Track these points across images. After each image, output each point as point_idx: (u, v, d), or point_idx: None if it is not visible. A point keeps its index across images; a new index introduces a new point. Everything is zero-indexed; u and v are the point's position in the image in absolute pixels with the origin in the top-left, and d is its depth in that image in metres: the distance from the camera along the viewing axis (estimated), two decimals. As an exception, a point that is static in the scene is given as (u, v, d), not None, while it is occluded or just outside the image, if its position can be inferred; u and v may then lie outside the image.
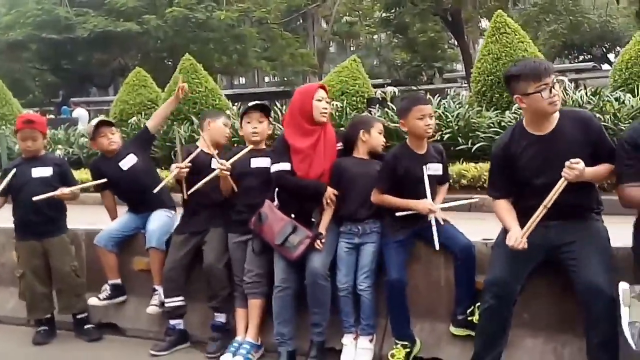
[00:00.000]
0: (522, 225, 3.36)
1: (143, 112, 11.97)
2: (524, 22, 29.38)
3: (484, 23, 31.25)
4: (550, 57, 33.33)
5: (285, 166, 4.11)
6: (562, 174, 3.25)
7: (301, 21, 40.83)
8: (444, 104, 9.76)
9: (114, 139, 4.87)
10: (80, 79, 32.86)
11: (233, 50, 30.98)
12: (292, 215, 4.08)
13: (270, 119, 4.43)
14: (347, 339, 4.05)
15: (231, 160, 4.22)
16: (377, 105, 10.13)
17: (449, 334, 3.91)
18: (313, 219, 4.10)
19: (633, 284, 3.07)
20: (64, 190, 4.62)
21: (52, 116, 17.79)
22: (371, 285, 4.03)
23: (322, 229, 4.06)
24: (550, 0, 27.34)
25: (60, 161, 4.93)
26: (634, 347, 2.96)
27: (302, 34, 39.82)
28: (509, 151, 3.54)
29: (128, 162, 4.79)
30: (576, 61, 35.27)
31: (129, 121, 11.57)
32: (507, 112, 8.84)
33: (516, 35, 9.66)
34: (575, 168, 3.23)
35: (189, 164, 4.33)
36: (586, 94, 9.03)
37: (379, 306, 4.06)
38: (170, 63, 26.56)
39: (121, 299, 4.84)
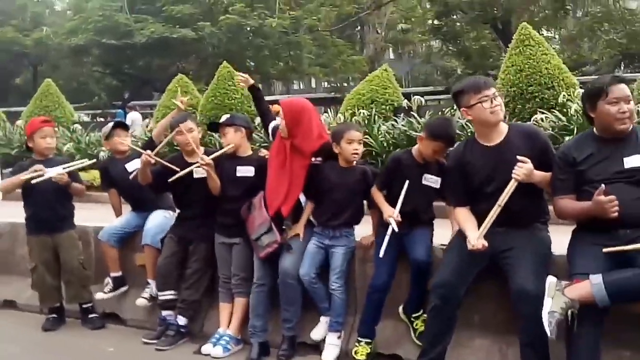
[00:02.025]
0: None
1: (182, 117, 12.47)
2: (578, 32, 29.05)
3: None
4: (610, 67, 32.71)
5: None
6: (512, 174, 3.51)
7: (359, 28, 41.16)
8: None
9: (125, 141, 5.29)
10: (141, 83, 33.92)
11: (287, 57, 31.55)
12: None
13: (235, 127, 4.69)
14: (324, 319, 4.40)
15: (212, 156, 4.58)
16: (402, 114, 10.33)
17: (409, 333, 4.17)
18: (284, 227, 4.43)
19: None
20: (58, 173, 4.96)
21: (102, 119, 18.52)
22: (342, 285, 4.33)
23: (299, 229, 4.41)
24: (605, 9, 26.88)
25: (68, 161, 5.37)
26: (549, 334, 3.20)
27: (357, 41, 40.17)
28: (463, 161, 3.81)
29: (134, 165, 5.14)
30: (638, 71, 34.40)
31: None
32: (527, 124, 8.89)
33: (540, 47, 9.65)
34: (524, 167, 3.49)
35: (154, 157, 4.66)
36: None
37: (347, 304, 4.37)
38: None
39: (123, 289, 5.28)
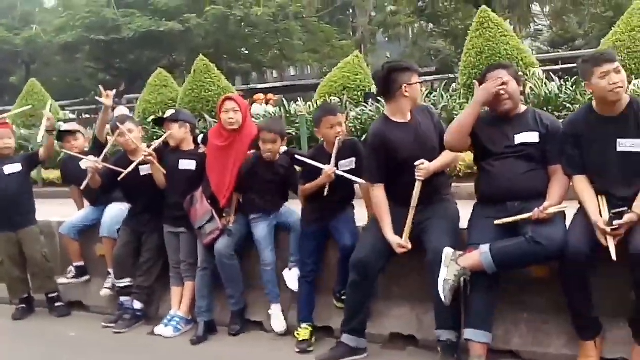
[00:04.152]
0: (400, 198, 3.96)
1: (160, 111, 12.79)
2: (562, 7, 29.12)
3: (536, 8, 31.02)
4: (600, 40, 32.81)
5: None
6: (416, 177, 3.86)
7: (350, 11, 41.23)
8: (434, 96, 10.17)
9: (76, 144, 5.64)
10: (132, 77, 34.20)
11: (277, 45, 31.82)
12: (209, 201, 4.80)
13: (180, 123, 5.05)
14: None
15: (152, 147, 4.98)
16: (371, 100, 10.61)
17: (337, 307, 4.52)
18: (224, 214, 4.78)
19: None
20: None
21: (87, 116, 18.74)
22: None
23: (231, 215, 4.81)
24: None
25: (26, 156, 5.79)
26: (443, 299, 3.57)
27: (349, 25, 40.26)
28: (385, 138, 4.05)
29: (85, 163, 5.39)
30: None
31: (148, 120, 12.37)
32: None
33: (499, 29, 9.97)
34: (423, 168, 3.86)
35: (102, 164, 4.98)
36: (565, 84, 9.27)
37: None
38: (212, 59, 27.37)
39: (84, 278, 5.68)
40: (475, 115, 3.81)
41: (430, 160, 3.94)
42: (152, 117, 12.38)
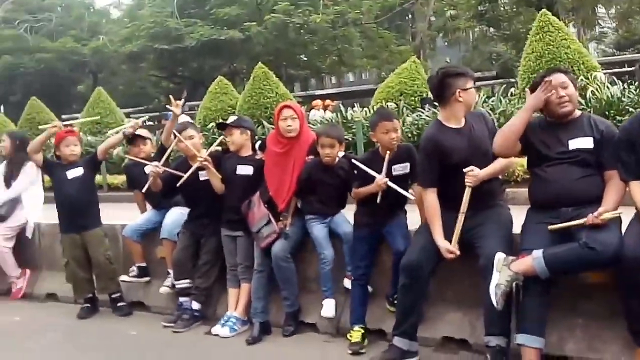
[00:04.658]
0: (451, 203, 3.94)
1: (220, 118, 13.06)
2: (627, 9, 28.39)
3: (601, 10, 30.35)
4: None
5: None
6: (465, 183, 3.89)
7: (409, 17, 41.17)
8: (492, 100, 10.09)
9: (144, 149, 5.85)
10: (194, 85, 34.95)
11: (335, 51, 32.05)
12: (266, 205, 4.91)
13: (242, 129, 5.17)
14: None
15: (207, 152, 5.12)
16: (427, 105, 10.60)
17: (389, 310, 4.56)
18: (281, 218, 4.88)
19: None
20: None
21: (150, 122, 19.14)
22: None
23: (288, 218, 4.88)
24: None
25: (87, 159, 5.98)
26: (495, 304, 3.56)
27: (408, 30, 40.20)
28: (438, 143, 4.07)
29: (149, 167, 5.65)
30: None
31: (208, 126, 12.66)
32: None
33: (559, 33, 9.82)
34: (471, 175, 3.88)
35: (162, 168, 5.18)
36: (629, 87, 9.07)
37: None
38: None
39: (146, 279, 5.89)
40: (525, 121, 3.80)
41: (484, 166, 3.96)
42: (212, 124, 12.72)
